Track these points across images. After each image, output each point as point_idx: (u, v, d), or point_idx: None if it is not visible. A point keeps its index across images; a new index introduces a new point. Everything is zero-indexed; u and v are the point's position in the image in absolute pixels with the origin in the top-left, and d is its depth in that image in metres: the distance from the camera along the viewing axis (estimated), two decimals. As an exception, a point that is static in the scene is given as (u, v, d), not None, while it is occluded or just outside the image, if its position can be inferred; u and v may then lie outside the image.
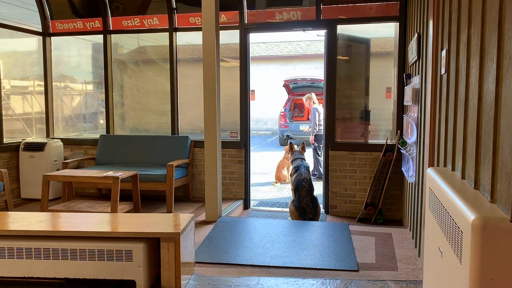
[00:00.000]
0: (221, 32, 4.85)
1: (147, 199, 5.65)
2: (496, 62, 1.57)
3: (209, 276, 3.18)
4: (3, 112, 5.66)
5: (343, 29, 5.23)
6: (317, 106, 8.11)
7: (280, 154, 12.00)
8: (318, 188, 5.81)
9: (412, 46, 4.06)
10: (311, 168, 6.25)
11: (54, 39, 6.33)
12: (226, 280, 3.10)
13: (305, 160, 5.30)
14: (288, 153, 6.54)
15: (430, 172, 2.17)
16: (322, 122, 7.21)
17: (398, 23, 5.00)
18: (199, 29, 5.48)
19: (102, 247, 2.83)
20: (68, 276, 2.87)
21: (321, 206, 5.04)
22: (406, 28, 4.87)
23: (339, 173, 5.17)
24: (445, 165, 2.48)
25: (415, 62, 3.97)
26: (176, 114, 5.92)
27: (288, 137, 13.96)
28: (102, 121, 6.32)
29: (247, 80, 5.53)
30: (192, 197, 5.74)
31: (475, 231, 1.32)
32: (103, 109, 6.21)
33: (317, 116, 7.90)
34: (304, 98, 8.78)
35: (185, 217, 3.20)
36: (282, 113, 14.12)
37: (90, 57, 6.59)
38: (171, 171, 4.98)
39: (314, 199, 4.84)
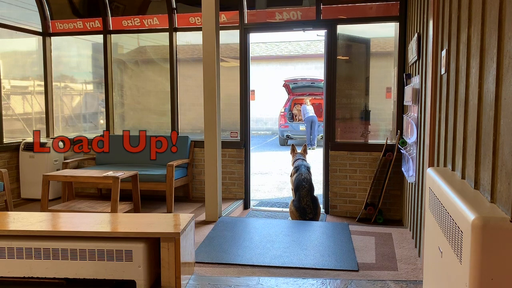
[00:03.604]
0: (221, 32, 4.85)
1: (147, 199, 5.64)
2: (496, 62, 1.57)
3: (209, 276, 3.18)
4: (3, 112, 5.66)
5: (343, 29, 5.23)
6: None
7: (279, 154, 12.02)
8: (318, 188, 5.80)
9: (412, 46, 4.06)
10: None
11: (54, 39, 6.33)
12: (226, 280, 3.10)
13: (305, 161, 5.30)
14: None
15: (430, 172, 2.17)
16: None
17: (398, 23, 5.00)
18: (199, 29, 5.48)
19: (102, 247, 2.83)
20: (68, 276, 2.87)
21: (321, 206, 5.04)
22: (406, 28, 4.87)
23: (339, 173, 5.17)
24: (445, 165, 2.48)
25: (415, 62, 3.97)
26: (176, 114, 5.92)
27: (288, 137, 13.96)
28: (102, 121, 6.32)
29: (247, 80, 5.53)
30: (192, 197, 5.74)
31: (475, 231, 1.32)
32: (103, 109, 6.21)
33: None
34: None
35: (185, 217, 3.20)
36: (282, 113, 14.12)
37: (90, 57, 6.59)
38: (171, 171, 4.98)
39: (314, 199, 4.83)
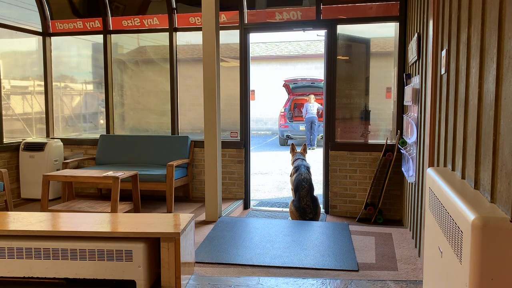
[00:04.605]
0: (221, 32, 4.85)
1: (147, 199, 5.65)
2: (496, 62, 1.57)
3: (209, 276, 3.18)
4: (3, 112, 5.66)
5: (343, 29, 5.23)
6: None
7: (279, 154, 12.02)
8: (318, 188, 5.80)
9: (412, 46, 4.06)
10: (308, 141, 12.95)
11: (54, 39, 6.34)
12: (226, 280, 3.10)
13: (305, 160, 5.30)
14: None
15: (430, 172, 2.17)
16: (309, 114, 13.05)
17: (398, 23, 5.00)
18: (199, 29, 5.48)
19: (102, 247, 2.83)
20: (68, 276, 2.87)
21: (321, 206, 5.04)
22: (406, 28, 4.87)
23: (339, 173, 5.17)
24: (445, 165, 2.48)
25: (415, 62, 3.97)
26: (176, 114, 5.92)
27: (288, 137, 13.96)
28: (102, 121, 6.32)
29: (247, 80, 5.53)
30: (192, 197, 5.75)
31: (475, 231, 1.32)
32: (103, 109, 6.21)
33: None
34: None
35: (185, 217, 3.20)
36: (282, 113, 14.13)
37: (90, 57, 6.59)
38: (171, 171, 4.98)
39: (314, 199, 4.83)
